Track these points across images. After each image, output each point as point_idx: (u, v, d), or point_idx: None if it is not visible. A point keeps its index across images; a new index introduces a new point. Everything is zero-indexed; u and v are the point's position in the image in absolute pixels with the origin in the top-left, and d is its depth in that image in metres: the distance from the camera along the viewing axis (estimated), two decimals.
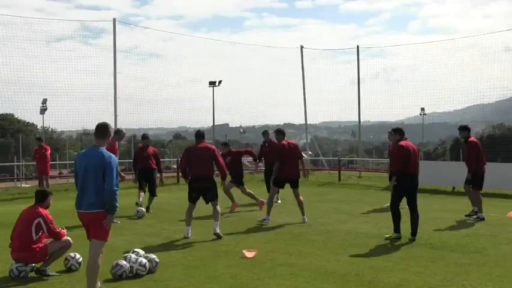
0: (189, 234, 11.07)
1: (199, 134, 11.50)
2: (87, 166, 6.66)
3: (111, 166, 6.64)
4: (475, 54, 32.12)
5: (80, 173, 6.76)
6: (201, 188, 11.24)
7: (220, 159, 11.49)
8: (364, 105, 30.93)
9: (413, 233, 10.63)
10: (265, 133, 17.25)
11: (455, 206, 14.69)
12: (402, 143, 10.85)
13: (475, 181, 13.31)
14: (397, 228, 10.72)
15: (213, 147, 11.61)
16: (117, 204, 6.72)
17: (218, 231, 11.00)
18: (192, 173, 11.27)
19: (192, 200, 11.30)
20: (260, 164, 18.25)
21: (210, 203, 11.37)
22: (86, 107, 26.85)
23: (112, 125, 23.47)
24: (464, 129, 13.51)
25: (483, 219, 12.83)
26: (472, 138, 13.55)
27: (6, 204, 17.76)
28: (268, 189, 16.43)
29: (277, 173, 12.79)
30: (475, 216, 12.99)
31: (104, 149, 6.77)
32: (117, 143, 13.46)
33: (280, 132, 13.20)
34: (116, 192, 6.66)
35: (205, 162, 11.20)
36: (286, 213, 14.56)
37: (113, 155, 6.77)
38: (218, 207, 11.30)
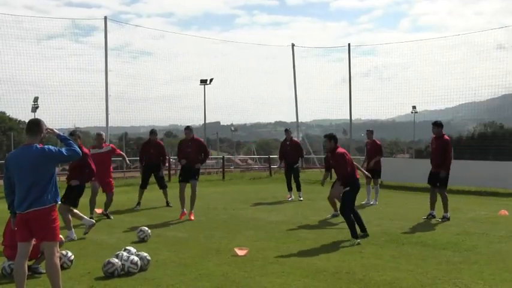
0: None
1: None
2: (27, 165, 6.36)
3: (54, 152, 6.43)
4: (466, 52, 32.11)
5: (19, 174, 6.42)
6: None
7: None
8: (355, 103, 30.90)
9: (363, 229, 10.76)
10: (286, 131, 17.98)
11: None
12: (342, 150, 10.85)
13: (446, 181, 13.03)
14: (354, 233, 10.34)
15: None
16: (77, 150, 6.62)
17: None
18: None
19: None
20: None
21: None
22: (77, 105, 26.75)
23: (104, 122, 23.70)
24: (440, 125, 13.09)
25: (449, 218, 12.75)
26: (447, 136, 13.37)
27: None
28: (289, 187, 16.96)
29: None
30: (442, 218, 12.83)
31: (37, 145, 6.45)
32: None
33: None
34: (74, 150, 6.51)
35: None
36: (276, 211, 14.58)
37: (45, 146, 6.48)
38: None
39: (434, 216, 13.00)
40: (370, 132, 16.86)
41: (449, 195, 13.24)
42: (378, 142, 16.86)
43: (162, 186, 16.09)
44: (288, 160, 17.55)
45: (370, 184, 16.25)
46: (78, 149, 6.66)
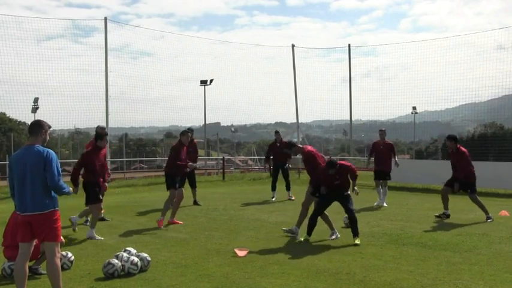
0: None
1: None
2: (27, 166, 6.43)
3: (50, 160, 6.43)
4: (467, 52, 31.89)
5: (19, 174, 6.49)
6: None
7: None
8: (355, 103, 30.79)
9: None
10: (276, 133, 18.22)
11: None
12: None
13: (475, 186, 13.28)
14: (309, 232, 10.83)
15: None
16: (66, 191, 6.66)
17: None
18: None
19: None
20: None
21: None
22: (77, 106, 26.65)
23: (104, 123, 23.65)
24: (453, 139, 13.30)
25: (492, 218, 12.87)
26: (462, 148, 13.35)
27: None
28: (274, 187, 17.50)
29: None
30: (486, 219, 12.86)
31: (39, 146, 6.53)
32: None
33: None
34: (60, 185, 6.51)
35: None
36: (277, 212, 14.57)
37: (50, 150, 6.57)
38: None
39: (448, 216, 13.08)
40: (383, 132, 16.48)
41: (450, 196, 13.29)
42: (391, 142, 16.69)
43: (194, 185, 16.53)
44: (279, 161, 17.74)
45: (379, 186, 16.16)
46: (61, 194, 6.72)
